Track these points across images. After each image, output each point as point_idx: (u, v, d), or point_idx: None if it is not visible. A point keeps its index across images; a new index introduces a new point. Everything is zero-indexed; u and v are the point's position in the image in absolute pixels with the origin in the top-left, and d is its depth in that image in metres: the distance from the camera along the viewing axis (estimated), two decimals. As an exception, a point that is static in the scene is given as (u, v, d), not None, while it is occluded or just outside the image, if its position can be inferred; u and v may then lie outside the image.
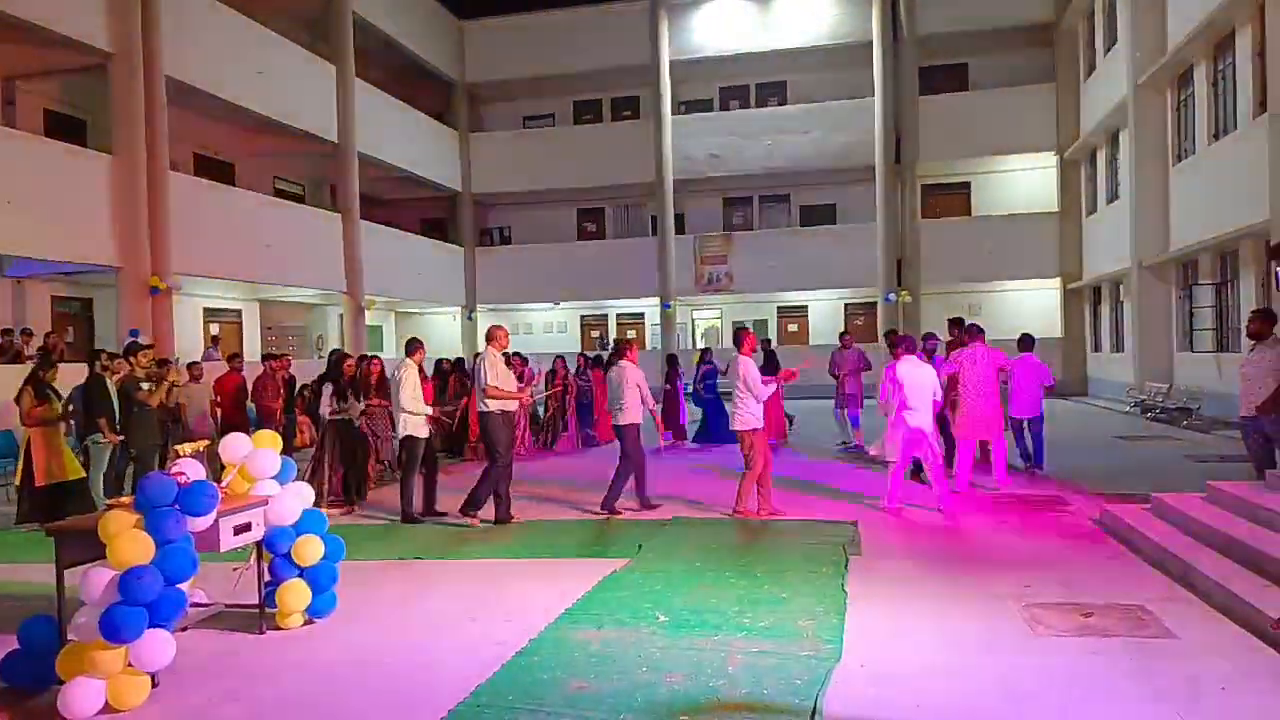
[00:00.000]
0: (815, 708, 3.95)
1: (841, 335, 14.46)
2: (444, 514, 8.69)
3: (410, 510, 8.64)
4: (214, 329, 21.22)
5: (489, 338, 8.53)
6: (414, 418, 8.61)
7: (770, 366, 13.04)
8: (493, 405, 8.24)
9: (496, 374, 8.23)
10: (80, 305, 17.89)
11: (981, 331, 9.67)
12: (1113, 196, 21.40)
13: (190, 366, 11.77)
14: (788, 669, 4.43)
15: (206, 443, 5.96)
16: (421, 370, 9.12)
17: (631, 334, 29.54)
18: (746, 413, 8.17)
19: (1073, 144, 23.68)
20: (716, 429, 14.33)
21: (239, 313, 22.25)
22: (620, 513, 8.61)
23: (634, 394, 8.66)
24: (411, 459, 8.70)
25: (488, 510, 8.36)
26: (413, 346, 9.12)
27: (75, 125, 16.74)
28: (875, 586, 5.93)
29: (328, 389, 9.40)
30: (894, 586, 5.94)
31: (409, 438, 8.66)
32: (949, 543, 7.20)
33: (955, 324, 10.67)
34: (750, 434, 8.18)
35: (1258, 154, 13.52)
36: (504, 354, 8.61)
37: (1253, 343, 7.61)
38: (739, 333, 8.60)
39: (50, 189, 13.65)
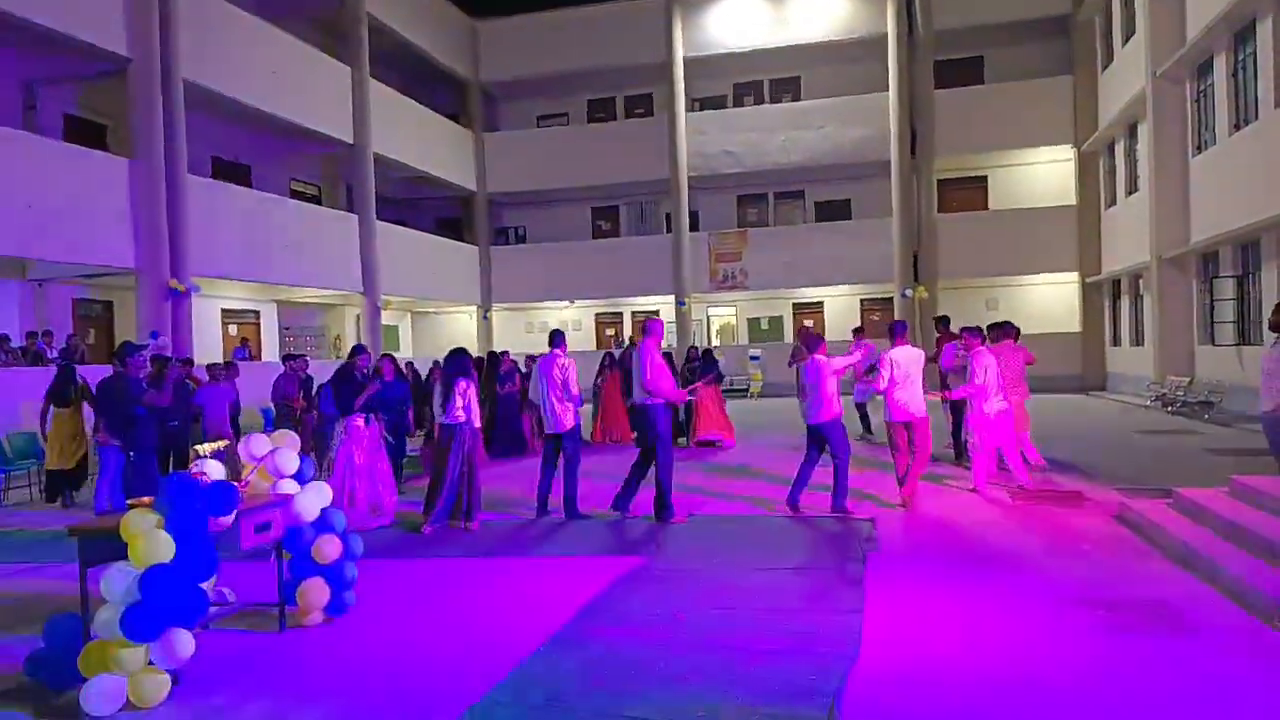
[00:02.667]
0: (833, 706, 3.94)
1: (856, 330, 14.67)
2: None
3: (578, 507, 8.39)
4: (232, 329, 21.38)
5: (646, 331, 8.32)
6: (571, 410, 8.41)
7: (706, 369, 13.66)
8: (653, 398, 8.10)
9: (656, 366, 8.09)
10: (101, 308, 18.08)
11: (1015, 328, 9.77)
12: (1132, 189, 21.20)
13: (211, 367, 11.84)
14: (806, 668, 4.41)
15: (226, 442, 6.01)
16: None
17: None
18: (894, 406, 8.29)
19: (1091, 136, 23.47)
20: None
21: (257, 313, 22.41)
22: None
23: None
24: (576, 452, 8.47)
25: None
26: (558, 338, 8.78)
27: (95, 130, 16.91)
28: (893, 584, 5.90)
29: (472, 388, 8.59)
30: (912, 583, 5.91)
31: (576, 428, 8.46)
32: (967, 539, 7.16)
33: (941, 322, 10.95)
34: (901, 426, 8.30)
35: (1278, 144, 13.36)
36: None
37: (1275, 335, 7.52)
38: (809, 336, 8.64)
39: (71, 193, 13.80)
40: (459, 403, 8.12)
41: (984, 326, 9.70)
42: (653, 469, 8.21)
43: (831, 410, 8.06)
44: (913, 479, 8.41)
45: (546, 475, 8.59)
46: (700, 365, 14.20)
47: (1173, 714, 3.78)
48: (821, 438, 8.16)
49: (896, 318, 24.83)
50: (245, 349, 20.20)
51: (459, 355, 8.47)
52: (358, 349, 9.37)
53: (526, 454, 12.94)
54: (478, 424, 8.35)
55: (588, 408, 14.79)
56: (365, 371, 9.54)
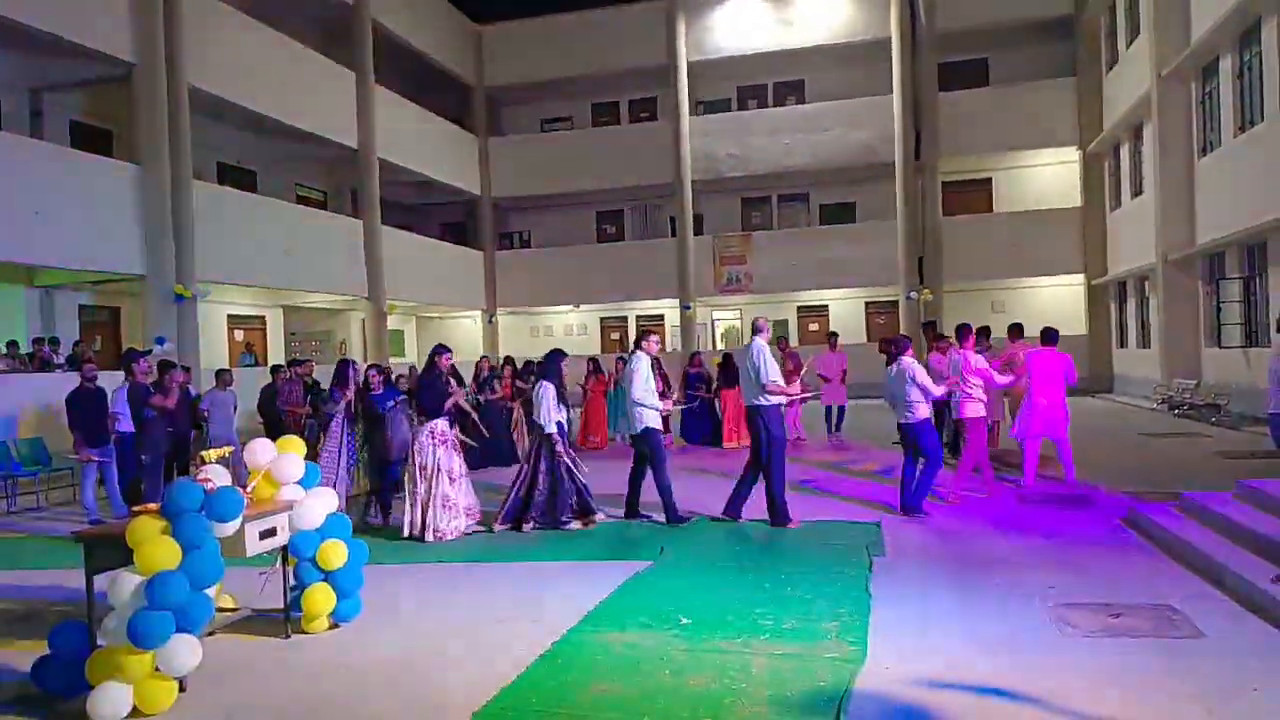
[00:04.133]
0: (839, 710, 3.93)
1: (831, 336, 15.57)
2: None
3: (678, 510, 8.20)
4: (238, 335, 21.44)
5: (758, 330, 8.26)
6: (650, 411, 8.24)
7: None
8: (771, 399, 8.02)
9: (774, 368, 8.01)
10: (107, 314, 18.13)
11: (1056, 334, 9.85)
12: (1137, 191, 21.14)
13: (220, 373, 11.86)
14: (811, 671, 4.41)
15: (231, 449, 6.02)
16: (658, 363, 8.94)
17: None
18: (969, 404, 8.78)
19: (1095, 138, 23.41)
20: (694, 431, 14.52)
21: (263, 319, 22.47)
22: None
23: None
24: (660, 454, 8.25)
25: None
26: (644, 337, 8.57)
27: (101, 136, 16.98)
28: (899, 587, 5.89)
29: (549, 390, 8.35)
30: (918, 587, 5.90)
31: (649, 430, 8.25)
32: (974, 543, 7.14)
33: (928, 327, 11.20)
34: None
35: (1285, 145, 13.33)
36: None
37: (1283, 337, 7.50)
38: (898, 339, 8.72)
39: (77, 199, 13.85)
40: (540, 406, 8.23)
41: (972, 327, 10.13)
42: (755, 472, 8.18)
43: (922, 411, 8.20)
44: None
45: (631, 478, 8.50)
46: (722, 371, 14.26)
47: (1181, 717, 3.76)
48: (911, 438, 8.25)
49: (902, 320, 24.85)
50: (251, 354, 20.25)
51: (549, 357, 8.55)
52: (439, 349, 8.84)
53: (511, 464, 11.87)
54: (550, 428, 8.20)
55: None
56: (448, 373, 8.95)
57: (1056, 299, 25.47)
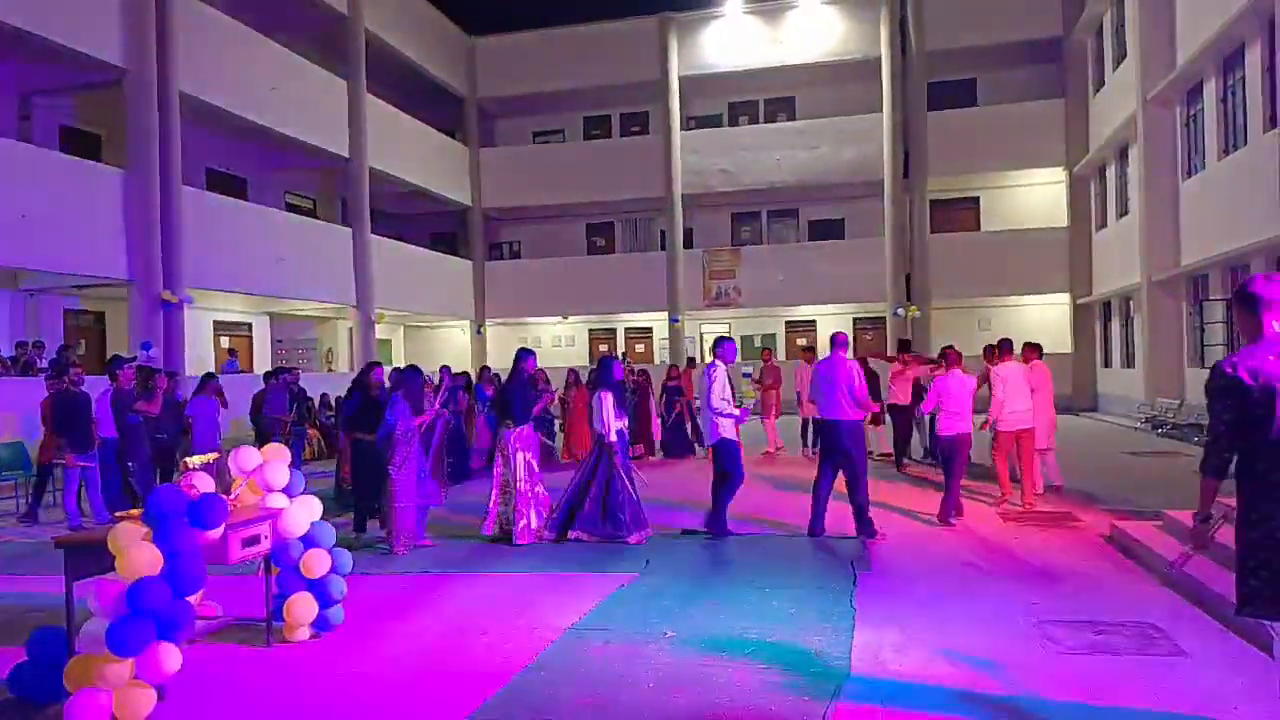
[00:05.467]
0: (823, 725, 3.93)
1: (806, 350, 15.78)
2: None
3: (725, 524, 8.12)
4: (224, 341, 21.32)
5: (840, 344, 8.29)
6: (726, 420, 8.11)
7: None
8: (845, 415, 8.02)
9: (859, 383, 8.01)
10: (93, 318, 18.02)
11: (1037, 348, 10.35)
12: (1122, 211, 21.35)
13: (206, 379, 11.80)
14: (795, 685, 4.41)
15: (215, 455, 5.98)
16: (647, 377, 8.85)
17: (640, 348, 29.56)
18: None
19: (1082, 159, 23.65)
20: (676, 444, 14.57)
21: (249, 326, 22.37)
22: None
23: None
24: (734, 464, 8.14)
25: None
26: (719, 344, 8.40)
27: (90, 140, 16.93)
28: (884, 602, 5.90)
29: (608, 398, 8.21)
30: (903, 602, 5.91)
31: (724, 441, 8.13)
32: (958, 559, 7.16)
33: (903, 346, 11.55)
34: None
35: (1268, 169, 13.49)
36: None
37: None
38: (946, 351, 9.05)
39: (65, 203, 13.79)
40: (593, 414, 8.19)
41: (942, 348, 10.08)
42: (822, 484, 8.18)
43: (955, 426, 8.40)
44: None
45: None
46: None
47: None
48: (942, 451, 8.54)
49: (889, 337, 24.95)
50: (235, 361, 20.14)
51: (604, 365, 8.49)
52: (524, 353, 8.69)
53: (473, 479, 11.91)
54: (611, 437, 8.10)
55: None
56: (533, 377, 8.83)
57: (1042, 318, 25.64)
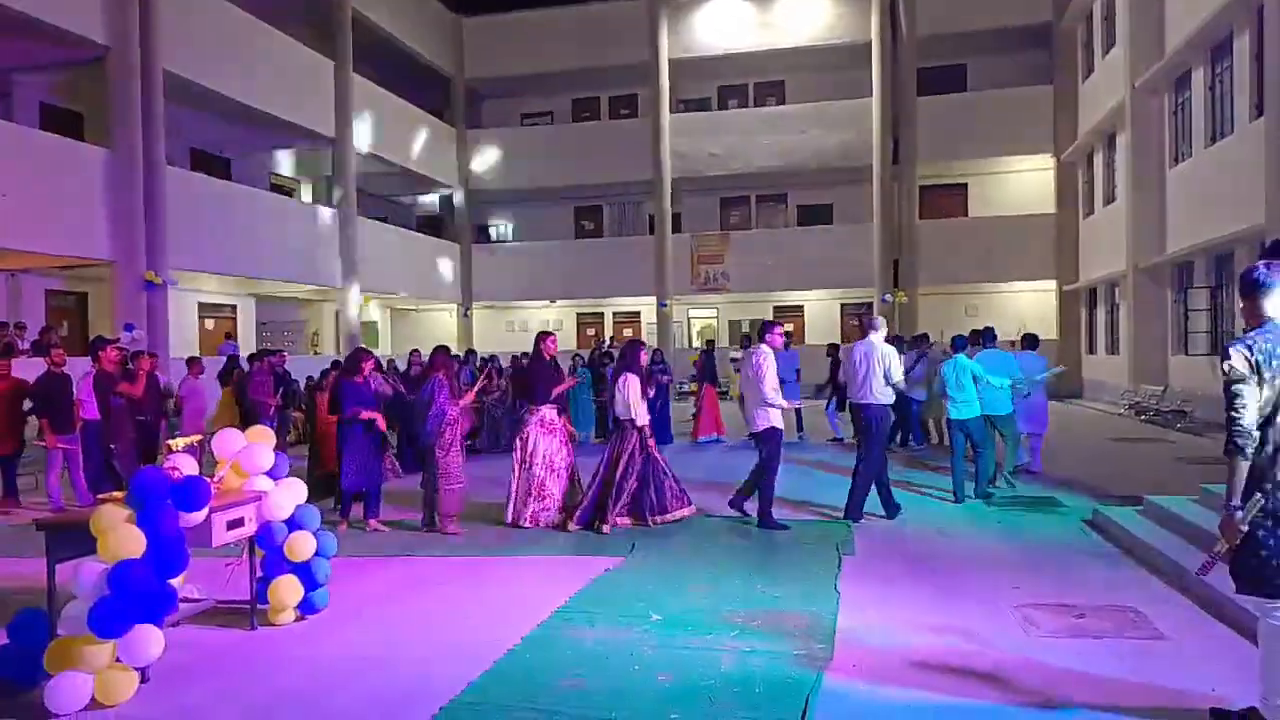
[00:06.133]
0: (807, 707, 3.95)
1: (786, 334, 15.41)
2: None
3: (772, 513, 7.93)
4: (209, 324, 21.18)
5: (874, 327, 8.22)
6: (774, 410, 7.93)
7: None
8: (885, 397, 7.98)
9: (898, 367, 7.99)
10: (75, 299, 17.85)
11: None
12: (1109, 199, 21.42)
13: (191, 361, 11.78)
14: (780, 669, 4.43)
15: (199, 437, 5.95)
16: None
17: (631, 331, 29.51)
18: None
19: (1070, 146, 23.69)
20: (658, 431, 14.57)
21: (234, 308, 22.21)
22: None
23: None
24: (778, 453, 7.99)
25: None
26: (767, 330, 8.18)
27: (71, 119, 16.69)
28: (868, 586, 5.93)
29: (634, 382, 8.11)
30: (887, 586, 5.94)
31: (772, 429, 7.93)
32: (941, 543, 7.21)
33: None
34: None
35: (1254, 157, 13.55)
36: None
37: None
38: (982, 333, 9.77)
39: (46, 182, 13.62)
40: (618, 398, 8.07)
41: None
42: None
43: (975, 408, 8.85)
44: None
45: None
46: (704, 365, 14.86)
47: (1139, 714, 3.82)
48: (964, 432, 8.87)
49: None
50: (235, 345, 19.92)
51: (631, 347, 8.34)
52: (544, 335, 8.54)
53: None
54: (640, 422, 8.01)
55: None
56: (554, 359, 8.60)
57: (1029, 304, 25.77)
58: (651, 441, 8.13)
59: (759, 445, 7.97)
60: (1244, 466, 3.46)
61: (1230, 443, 3.47)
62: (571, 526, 7.86)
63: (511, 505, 8.11)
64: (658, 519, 7.93)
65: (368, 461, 8.17)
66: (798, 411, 14.47)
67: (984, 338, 10.15)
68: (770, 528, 7.76)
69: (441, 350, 8.53)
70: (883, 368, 7.89)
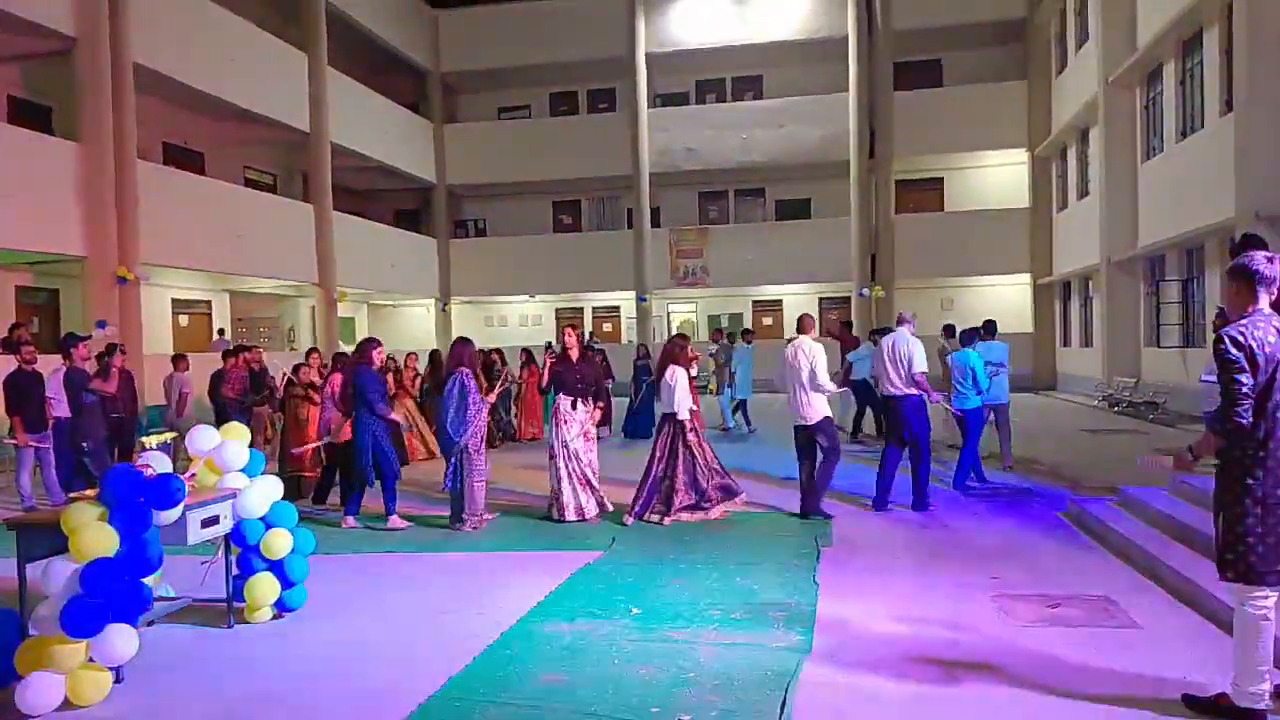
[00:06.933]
0: (786, 698, 3.97)
1: (745, 333, 16.11)
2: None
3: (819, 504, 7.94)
4: (183, 320, 20.92)
5: (904, 321, 8.32)
6: (822, 399, 7.90)
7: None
8: (912, 390, 7.98)
9: (922, 359, 8.03)
10: (46, 296, 17.57)
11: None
12: (1083, 193, 21.64)
13: (177, 359, 11.75)
14: (759, 660, 4.45)
15: (174, 434, 5.88)
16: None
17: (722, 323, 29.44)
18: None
19: (1044, 141, 23.91)
20: (643, 426, 14.57)
21: (209, 304, 21.95)
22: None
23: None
24: (837, 441, 7.98)
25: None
26: (805, 323, 8.20)
27: (40, 112, 16.40)
28: (846, 578, 5.97)
29: (682, 375, 8.08)
30: (864, 578, 5.98)
31: (827, 419, 7.91)
32: (919, 535, 7.27)
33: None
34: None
35: (1224, 152, 13.73)
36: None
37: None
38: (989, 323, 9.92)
39: (14, 177, 13.37)
40: (664, 392, 8.00)
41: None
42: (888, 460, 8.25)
43: (977, 399, 9.12)
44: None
45: (801, 469, 8.12)
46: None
47: (1115, 704, 3.87)
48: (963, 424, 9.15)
49: (854, 316, 25.12)
50: (227, 341, 19.62)
51: (676, 341, 8.30)
52: (568, 330, 8.59)
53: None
54: (683, 415, 7.95)
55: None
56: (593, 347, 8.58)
57: (1004, 298, 25.98)
58: (693, 435, 8.04)
59: (814, 437, 7.89)
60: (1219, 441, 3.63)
61: (1234, 418, 3.51)
62: (627, 520, 7.83)
63: (557, 500, 8.07)
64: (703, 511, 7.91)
65: (386, 452, 7.99)
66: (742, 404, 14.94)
67: (986, 330, 10.28)
68: (818, 514, 7.84)
69: (464, 342, 8.38)
70: (905, 361, 8.00)
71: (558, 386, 8.24)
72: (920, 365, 7.94)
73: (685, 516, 7.87)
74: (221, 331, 20.76)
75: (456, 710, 3.97)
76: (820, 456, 7.93)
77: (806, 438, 7.96)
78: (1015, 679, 4.17)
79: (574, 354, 8.36)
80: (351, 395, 8.09)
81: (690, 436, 8.03)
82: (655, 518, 7.85)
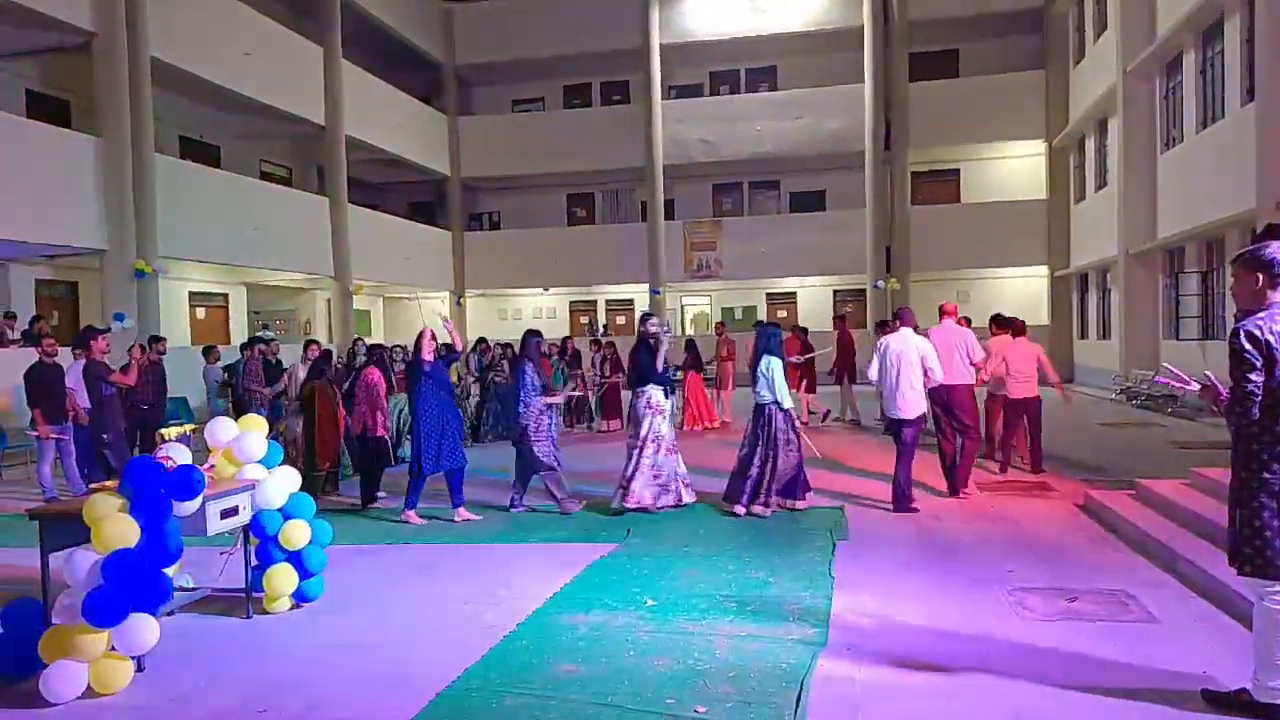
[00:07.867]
0: (801, 691, 3.97)
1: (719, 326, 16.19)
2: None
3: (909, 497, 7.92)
4: (200, 313, 21.07)
5: (946, 312, 8.66)
6: (922, 395, 7.87)
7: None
8: (963, 380, 8.18)
9: (977, 350, 8.36)
10: (65, 289, 17.74)
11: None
12: (1101, 184, 21.44)
13: (207, 350, 11.94)
14: (774, 653, 4.45)
15: (194, 426, 5.93)
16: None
17: (784, 313, 29.48)
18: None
19: (1061, 131, 23.69)
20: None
21: (225, 296, 22.10)
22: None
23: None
24: (917, 437, 7.95)
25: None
26: (906, 316, 8.14)
27: (59, 106, 16.54)
28: (861, 571, 5.96)
29: (778, 365, 7.97)
30: (880, 571, 5.97)
31: (922, 417, 7.92)
32: (934, 528, 7.24)
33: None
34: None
35: (1245, 141, 13.56)
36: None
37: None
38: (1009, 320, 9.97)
39: (34, 171, 13.50)
40: (761, 381, 7.93)
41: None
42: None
43: (1023, 390, 9.33)
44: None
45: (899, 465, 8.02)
46: (687, 355, 14.83)
47: (1134, 699, 3.85)
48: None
49: (869, 309, 25.02)
50: (267, 329, 19.71)
51: (771, 332, 8.22)
52: (645, 316, 8.55)
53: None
54: (786, 404, 7.87)
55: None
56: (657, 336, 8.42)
57: (1021, 290, 25.81)
58: (788, 427, 7.92)
59: (900, 430, 7.85)
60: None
61: (1244, 396, 3.48)
62: (738, 510, 7.77)
63: (622, 488, 8.05)
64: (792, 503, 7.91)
65: (449, 443, 7.96)
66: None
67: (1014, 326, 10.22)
68: (905, 510, 7.80)
69: (534, 335, 8.49)
70: (963, 351, 8.31)
71: (648, 378, 8.19)
72: (980, 357, 8.41)
73: (785, 504, 7.87)
74: (266, 325, 20.83)
75: (473, 700, 4.00)
76: (899, 450, 7.93)
77: (900, 430, 7.92)
78: (1032, 673, 4.15)
79: (660, 346, 8.30)
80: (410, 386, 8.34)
81: (785, 424, 7.93)
82: (761, 509, 7.72)
